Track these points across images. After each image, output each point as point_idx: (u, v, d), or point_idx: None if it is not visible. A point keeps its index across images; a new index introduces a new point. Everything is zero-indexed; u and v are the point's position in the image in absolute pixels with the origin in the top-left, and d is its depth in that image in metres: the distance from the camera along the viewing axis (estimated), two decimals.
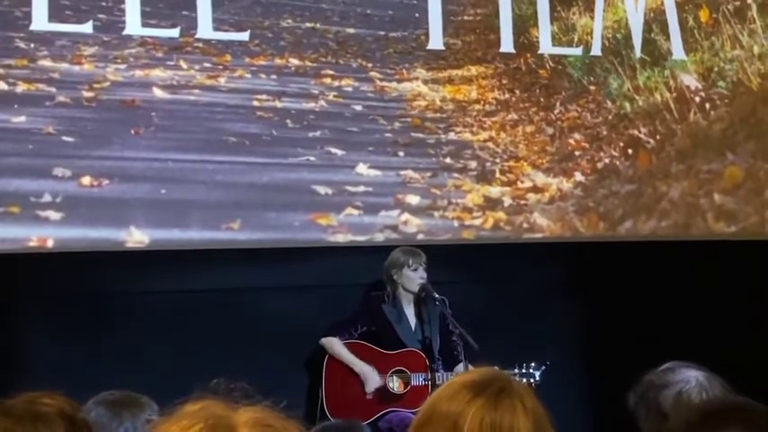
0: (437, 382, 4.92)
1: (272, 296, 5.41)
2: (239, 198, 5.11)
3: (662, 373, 2.60)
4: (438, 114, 5.55)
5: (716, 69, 6.02)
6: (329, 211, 5.25)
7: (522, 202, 5.61)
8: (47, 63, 4.84)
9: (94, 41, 4.94)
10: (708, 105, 5.97)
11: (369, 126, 5.41)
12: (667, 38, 6.00)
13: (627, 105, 5.88)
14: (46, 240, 4.74)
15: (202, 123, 5.10)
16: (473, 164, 5.55)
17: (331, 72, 5.38)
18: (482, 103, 5.65)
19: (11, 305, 4.95)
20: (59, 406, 1.83)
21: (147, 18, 5.04)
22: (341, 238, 5.26)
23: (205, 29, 5.15)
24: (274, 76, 5.27)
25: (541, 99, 5.77)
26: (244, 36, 5.23)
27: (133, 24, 5.00)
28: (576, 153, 5.77)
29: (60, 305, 5.06)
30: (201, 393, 1.42)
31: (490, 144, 5.61)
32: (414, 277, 5.20)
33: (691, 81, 5.98)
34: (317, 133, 5.29)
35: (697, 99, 5.97)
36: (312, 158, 5.26)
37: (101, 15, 4.96)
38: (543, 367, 5.09)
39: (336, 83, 5.38)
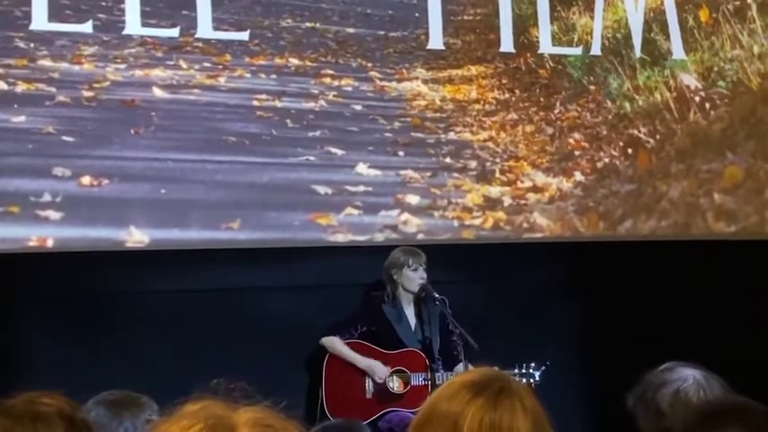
0: (437, 382, 4.93)
1: (272, 296, 5.41)
2: (239, 198, 5.11)
3: (660, 373, 2.61)
4: (438, 114, 5.54)
5: (716, 69, 6.03)
6: (329, 211, 5.25)
7: (522, 201, 5.61)
8: (47, 63, 4.84)
9: (94, 41, 4.94)
10: (708, 105, 5.97)
11: (368, 126, 5.41)
12: (667, 37, 6.00)
13: (627, 105, 5.88)
14: (46, 240, 4.74)
15: (202, 123, 5.10)
16: (473, 164, 5.55)
17: (331, 72, 5.38)
18: (482, 102, 5.65)
19: (11, 305, 4.95)
20: (59, 406, 1.83)
21: (147, 18, 5.04)
22: (341, 238, 5.26)
23: (205, 28, 5.15)
24: (274, 76, 5.27)
25: (541, 99, 5.77)
26: (243, 36, 5.23)
27: (133, 24, 5.00)
28: (576, 153, 5.77)
29: (60, 305, 5.06)
30: (201, 393, 1.42)
31: (490, 144, 5.61)
32: (414, 277, 5.20)
33: (691, 81, 5.98)
34: (317, 133, 5.29)
35: (697, 99, 5.97)
36: (312, 158, 5.26)
37: (100, 15, 4.96)
38: (543, 367, 5.09)
39: (336, 82, 5.38)
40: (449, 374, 5.05)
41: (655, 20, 6.00)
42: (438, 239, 5.44)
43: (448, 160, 5.52)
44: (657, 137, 5.88)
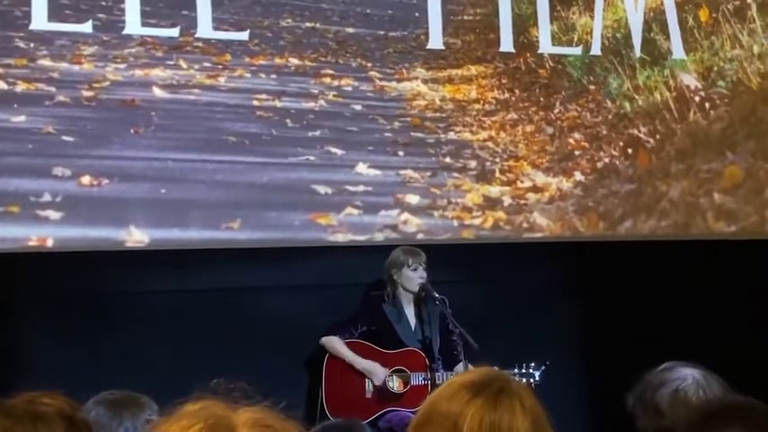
0: (437, 382, 4.92)
1: (272, 296, 5.41)
2: (239, 198, 5.10)
3: (659, 373, 2.61)
4: (438, 114, 5.54)
5: (716, 69, 6.03)
6: (329, 211, 5.25)
7: (522, 201, 5.61)
8: (46, 62, 4.84)
9: (94, 41, 4.94)
10: (707, 105, 5.98)
11: (368, 125, 5.41)
12: (667, 37, 6.00)
13: (626, 105, 5.88)
14: (46, 240, 4.74)
15: (202, 123, 5.10)
16: (473, 163, 5.55)
17: (331, 72, 5.38)
18: (482, 102, 5.65)
19: (11, 305, 4.95)
20: (59, 406, 1.83)
21: (147, 17, 5.04)
22: (341, 238, 5.26)
23: (205, 28, 5.15)
24: (274, 76, 5.27)
25: (541, 99, 5.77)
26: (243, 36, 5.23)
27: (133, 24, 5.00)
28: (576, 153, 5.77)
29: (60, 305, 5.06)
30: (201, 393, 1.42)
31: (490, 144, 5.61)
32: (413, 277, 5.20)
33: (690, 80, 5.98)
34: (317, 133, 5.29)
35: (697, 98, 5.97)
36: (312, 158, 5.26)
37: (100, 15, 4.96)
38: (543, 367, 5.09)
39: (336, 82, 5.38)
40: (449, 374, 5.05)
41: (655, 19, 6.00)
42: (438, 239, 5.44)
43: (448, 160, 5.52)
44: (657, 137, 5.88)
